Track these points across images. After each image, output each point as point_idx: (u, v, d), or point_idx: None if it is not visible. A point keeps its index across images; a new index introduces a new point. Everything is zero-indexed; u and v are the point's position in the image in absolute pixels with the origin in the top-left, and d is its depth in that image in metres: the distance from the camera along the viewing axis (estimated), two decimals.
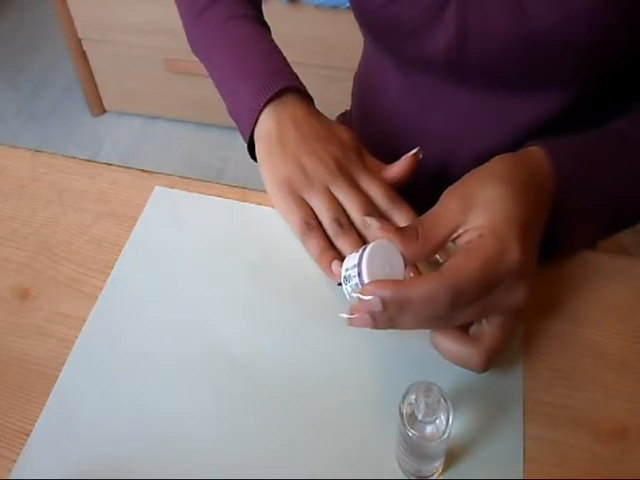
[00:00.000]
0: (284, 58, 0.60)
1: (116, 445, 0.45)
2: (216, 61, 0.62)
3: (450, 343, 0.43)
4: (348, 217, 0.52)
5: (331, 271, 0.50)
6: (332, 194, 0.52)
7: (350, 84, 0.78)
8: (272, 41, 0.62)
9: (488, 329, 0.43)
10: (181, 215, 0.57)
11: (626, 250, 0.55)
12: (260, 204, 0.57)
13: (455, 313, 0.40)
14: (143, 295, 0.52)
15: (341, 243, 0.51)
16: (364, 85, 0.73)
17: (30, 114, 1.87)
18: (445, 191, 0.45)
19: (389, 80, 0.65)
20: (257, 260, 0.53)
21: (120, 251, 0.54)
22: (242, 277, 0.53)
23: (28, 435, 0.45)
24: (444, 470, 0.43)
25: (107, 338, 0.49)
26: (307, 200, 0.53)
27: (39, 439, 0.45)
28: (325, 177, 0.52)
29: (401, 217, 0.51)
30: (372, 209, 0.51)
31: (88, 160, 0.62)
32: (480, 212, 0.42)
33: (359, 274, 0.42)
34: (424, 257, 0.43)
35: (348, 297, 0.44)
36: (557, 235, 0.47)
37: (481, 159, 0.48)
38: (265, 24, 0.65)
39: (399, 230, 0.43)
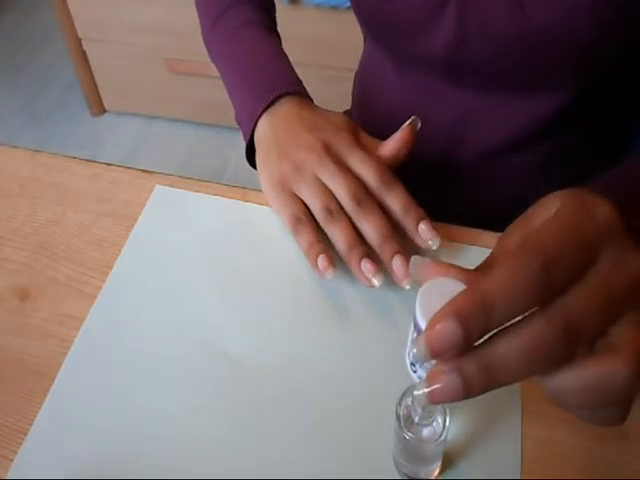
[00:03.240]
0: (286, 65, 0.60)
1: (115, 445, 0.45)
2: (225, 72, 0.63)
3: (581, 371, 0.30)
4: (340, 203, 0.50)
5: (317, 265, 0.49)
6: (322, 182, 0.51)
7: (350, 84, 0.78)
8: (277, 48, 0.62)
9: (621, 329, 0.30)
10: (181, 214, 0.57)
11: None
12: (260, 204, 0.57)
13: (562, 296, 0.29)
14: (143, 294, 0.52)
15: (331, 230, 0.50)
16: (364, 85, 0.73)
17: (30, 114, 1.87)
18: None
19: (389, 80, 0.65)
20: (257, 260, 0.53)
21: (120, 251, 0.54)
22: (242, 277, 0.53)
23: (27, 435, 0.45)
24: (442, 471, 0.43)
25: (106, 337, 0.49)
26: (299, 195, 0.52)
27: (37, 438, 0.45)
28: (313, 166, 0.51)
29: (394, 200, 0.50)
30: (361, 192, 0.49)
31: (88, 160, 0.62)
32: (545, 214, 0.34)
33: (415, 327, 0.33)
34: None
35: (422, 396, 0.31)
36: None
37: (481, 159, 0.49)
38: (274, 30, 0.65)
39: (460, 269, 0.34)
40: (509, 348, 0.29)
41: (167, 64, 1.63)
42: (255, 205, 0.57)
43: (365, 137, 0.55)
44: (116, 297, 0.52)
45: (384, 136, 0.54)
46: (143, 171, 0.60)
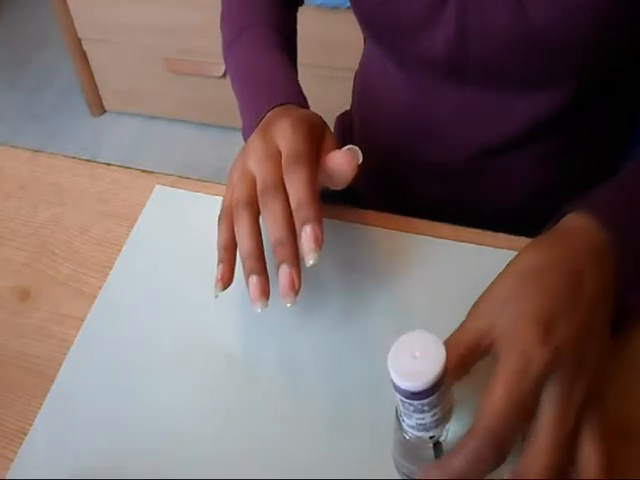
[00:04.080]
0: (288, 80, 0.58)
1: (114, 444, 0.45)
2: (237, 90, 0.61)
3: (453, 457, 0.35)
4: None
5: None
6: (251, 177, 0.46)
7: (350, 84, 0.78)
8: (280, 61, 0.61)
9: (583, 451, 0.36)
10: (181, 214, 0.57)
11: None
12: None
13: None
14: (142, 294, 0.52)
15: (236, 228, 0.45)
16: (364, 85, 0.72)
17: (30, 114, 1.86)
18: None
19: (389, 79, 0.65)
20: None
21: (120, 251, 0.54)
22: (241, 276, 0.52)
23: (27, 435, 0.45)
24: None
25: (106, 337, 0.49)
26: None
27: (37, 438, 0.45)
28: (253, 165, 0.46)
29: (290, 191, 0.43)
30: (269, 181, 0.44)
31: (88, 160, 0.62)
32: (497, 316, 0.37)
33: (394, 386, 0.34)
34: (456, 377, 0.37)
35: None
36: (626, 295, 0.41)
37: (482, 157, 0.48)
38: (283, 46, 0.64)
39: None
40: None
41: (167, 64, 1.63)
42: None
43: (328, 145, 0.49)
44: (116, 297, 0.52)
45: (385, 136, 0.54)
46: (143, 171, 0.60)
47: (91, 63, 1.72)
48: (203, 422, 0.45)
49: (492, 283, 0.40)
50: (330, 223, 0.51)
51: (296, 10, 0.72)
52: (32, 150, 0.63)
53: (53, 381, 0.47)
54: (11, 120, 1.85)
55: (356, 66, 0.75)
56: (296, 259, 0.43)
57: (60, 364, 0.48)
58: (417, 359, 0.33)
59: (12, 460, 0.44)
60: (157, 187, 0.58)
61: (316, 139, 0.47)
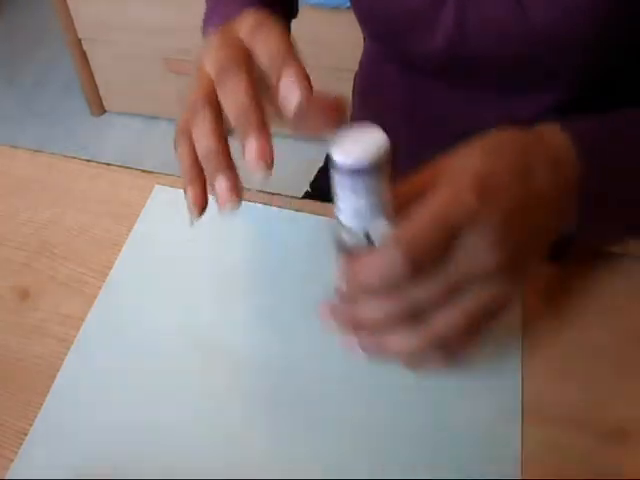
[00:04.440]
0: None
1: (114, 444, 0.45)
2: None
3: (368, 258, 0.35)
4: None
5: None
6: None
7: (350, 84, 0.78)
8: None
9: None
10: (181, 214, 0.56)
11: (626, 250, 0.55)
12: (260, 203, 0.57)
13: (422, 282, 0.35)
14: (142, 294, 0.52)
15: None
16: (364, 85, 0.73)
17: (30, 114, 1.86)
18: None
19: (388, 80, 0.65)
20: (257, 259, 0.53)
21: (120, 251, 0.54)
22: (242, 276, 0.53)
23: (27, 435, 0.45)
24: (438, 470, 0.43)
25: (106, 337, 0.49)
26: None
27: (37, 438, 0.45)
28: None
29: (261, 47, 0.38)
30: (229, 56, 0.37)
31: (88, 160, 0.62)
32: (449, 165, 0.38)
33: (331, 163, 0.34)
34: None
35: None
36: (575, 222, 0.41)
37: None
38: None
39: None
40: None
41: (167, 64, 1.63)
42: (254, 205, 0.57)
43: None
44: (116, 297, 0.52)
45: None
46: (143, 171, 0.60)
47: (91, 63, 1.72)
48: (203, 422, 0.45)
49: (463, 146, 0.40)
50: (329, 222, 0.51)
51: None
52: (32, 150, 0.63)
53: (53, 381, 0.47)
54: (11, 120, 1.85)
55: (356, 66, 0.75)
56: (265, 125, 0.36)
57: (60, 364, 0.48)
58: (359, 142, 0.35)
59: (12, 460, 0.44)
60: (157, 187, 0.58)
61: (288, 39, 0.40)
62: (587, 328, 0.49)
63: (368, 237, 0.36)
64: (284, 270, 0.53)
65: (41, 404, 0.46)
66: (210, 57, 0.39)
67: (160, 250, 0.54)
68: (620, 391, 0.46)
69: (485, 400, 0.46)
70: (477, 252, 0.35)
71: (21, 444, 0.45)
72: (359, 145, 0.35)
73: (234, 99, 0.36)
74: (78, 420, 0.46)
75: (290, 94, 0.35)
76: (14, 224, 0.57)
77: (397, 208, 0.36)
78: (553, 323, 0.49)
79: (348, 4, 0.62)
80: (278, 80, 0.36)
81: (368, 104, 0.71)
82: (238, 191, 0.38)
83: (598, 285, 0.51)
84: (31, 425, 0.46)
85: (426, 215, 0.35)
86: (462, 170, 0.37)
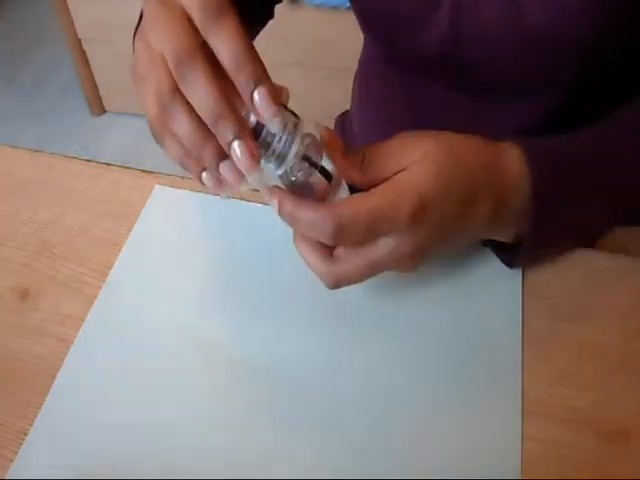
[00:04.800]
0: None
1: (114, 444, 0.45)
2: None
3: (309, 253, 0.42)
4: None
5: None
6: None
7: (350, 84, 0.78)
8: None
9: (352, 254, 0.42)
10: (181, 214, 0.57)
11: (626, 250, 0.55)
12: (260, 203, 0.57)
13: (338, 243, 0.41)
14: (142, 294, 0.52)
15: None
16: (363, 85, 0.73)
17: (30, 114, 1.86)
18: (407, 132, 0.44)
19: (387, 81, 0.65)
20: (257, 259, 0.53)
21: (120, 251, 0.54)
22: (242, 276, 0.53)
23: (27, 435, 0.45)
24: (438, 471, 0.43)
25: (106, 337, 0.49)
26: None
27: (37, 438, 0.45)
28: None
29: (220, 47, 0.36)
30: (185, 46, 0.36)
31: (88, 160, 0.62)
32: (416, 162, 0.41)
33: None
34: (360, 184, 0.41)
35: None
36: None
37: None
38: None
39: (344, 152, 0.40)
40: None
41: None
42: (255, 204, 0.57)
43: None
44: (116, 297, 0.52)
45: (384, 136, 0.54)
46: (143, 171, 0.60)
47: (91, 63, 1.72)
48: (203, 422, 0.45)
49: (431, 134, 0.44)
50: None
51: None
52: (32, 150, 0.63)
53: (53, 381, 0.47)
54: (11, 120, 1.85)
55: (356, 66, 0.75)
56: (247, 129, 0.36)
57: (60, 364, 0.48)
58: None
59: (12, 460, 0.44)
60: (157, 187, 0.58)
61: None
62: (587, 328, 0.49)
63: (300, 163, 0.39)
64: (285, 270, 0.53)
65: (41, 404, 0.46)
66: (160, 37, 0.37)
67: (160, 250, 0.54)
68: (620, 391, 0.46)
69: (485, 400, 0.46)
70: (392, 254, 0.41)
71: (21, 444, 0.45)
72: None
73: (201, 101, 0.36)
74: (78, 420, 0.46)
75: (266, 113, 0.36)
76: (14, 224, 0.57)
77: (365, 162, 0.41)
78: (553, 323, 0.49)
79: (348, 4, 0.62)
80: (243, 85, 0.35)
81: (368, 104, 0.71)
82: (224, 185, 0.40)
83: (598, 285, 0.51)
84: (31, 425, 0.46)
85: (364, 212, 0.39)
86: (411, 186, 0.40)
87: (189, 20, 0.36)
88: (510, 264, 0.51)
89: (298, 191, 0.40)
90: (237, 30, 0.35)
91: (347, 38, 1.33)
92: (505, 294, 0.50)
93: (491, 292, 0.50)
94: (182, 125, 0.37)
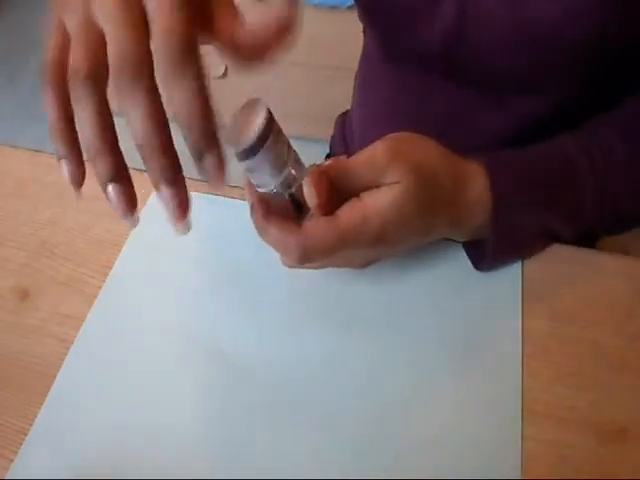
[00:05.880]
0: None
1: (114, 444, 0.45)
2: None
3: (275, 230, 0.42)
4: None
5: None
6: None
7: (350, 84, 0.78)
8: None
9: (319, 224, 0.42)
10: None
11: (626, 250, 0.55)
12: None
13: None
14: (142, 294, 0.52)
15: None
16: (363, 85, 0.73)
17: (30, 114, 1.86)
18: (383, 140, 0.44)
19: (388, 79, 0.65)
20: (257, 260, 0.53)
21: (120, 251, 0.54)
22: (242, 276, 0.53)
23: (27, 435, 0.45)
24: (438, 471, 0.43)
25: (106, 337, 0.49)
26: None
27: (37, 438, 0.45)
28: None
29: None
30: (132, 50, 0.31)
31: (88, 160, 0.62)
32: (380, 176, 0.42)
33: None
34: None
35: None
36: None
37: (479, 156, 0.49)
38: None
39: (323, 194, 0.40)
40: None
41: None
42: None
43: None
44: (116, 297, 0.52)
45: (383, 136, 0.54)
46: (143, 171, 0.60)
47: None
48: (203, 422, 0.45)
49: (406, 141, 0.46)
50: None
51: None
52: (32, 150, 0.63)
53: (53, 381, 0.47)
54: (11, 120, 1.85)
55: (356, 66, 0.75)
56: (177, 166, 0.33)
57: (60, 364, 0.48)
58: (242, 124, 0.38)
59: (12, 460, 0.44)
60: None
61: None
62: (587, 328, 0.49)
63: (278, 191, 0.41)
64: (285, 270, 0.53)
65: (41, 404, 0.46)
66: (106, 16, 0.30)
67: (160, 250, 0.54)
68: (620, 391, 0.46)
69: (485, 400, 0.46)
70: (351, 261, 0.46)
71: (21, 444, 0.45)
72: (243, 127, 0.38)
73: (137, 123, 0.33)
74: (78, 420, 0.46)
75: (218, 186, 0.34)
76: (14, 224, 0.57)
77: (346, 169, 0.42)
78: (553, 323, 0.49)
79: (348, 4, 0.62)
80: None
81: (368, 103, 0.71)
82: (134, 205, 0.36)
83: (598, 285, 0.51)
84: (31, 425, 0.46)
85: (329, 238, 0.41)
86: (378, 211, 0.41)
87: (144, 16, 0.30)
88: (478, 265, 0.51)
89: (272, 198, 0.42)
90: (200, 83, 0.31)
91: (347, 38, 1.33)
92: (505, 294, 0.50)
93: (491, 292, 0.50)
94: (84, 121, 0.33)
